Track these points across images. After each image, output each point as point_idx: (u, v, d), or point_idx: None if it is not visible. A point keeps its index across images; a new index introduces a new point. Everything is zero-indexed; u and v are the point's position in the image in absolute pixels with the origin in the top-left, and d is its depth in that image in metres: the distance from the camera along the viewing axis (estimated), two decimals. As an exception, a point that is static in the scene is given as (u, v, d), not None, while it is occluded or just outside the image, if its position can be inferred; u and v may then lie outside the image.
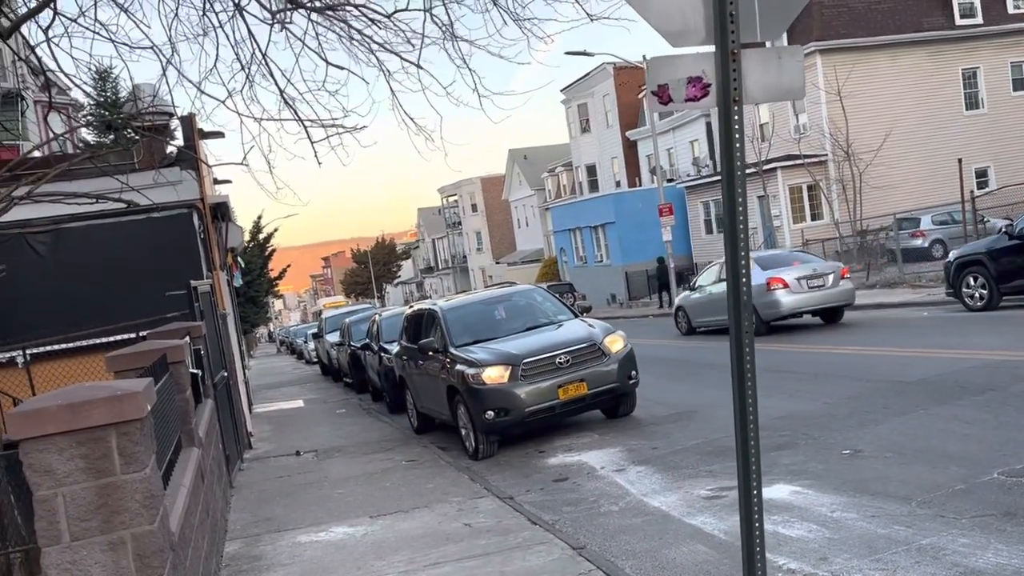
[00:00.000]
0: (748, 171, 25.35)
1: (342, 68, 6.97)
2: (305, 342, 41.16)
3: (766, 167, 31.18)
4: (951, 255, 15.56)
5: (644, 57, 28.13)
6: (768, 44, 3.67)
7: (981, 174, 32.93)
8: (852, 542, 5.33)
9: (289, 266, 56.93)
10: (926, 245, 26.38)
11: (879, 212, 27.23)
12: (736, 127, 2.97)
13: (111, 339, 9.83)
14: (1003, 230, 14.35)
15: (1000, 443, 6.81)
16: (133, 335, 9.66)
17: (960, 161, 24.41)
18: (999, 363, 9.86)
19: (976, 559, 4.75)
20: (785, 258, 18.03)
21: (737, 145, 2.96)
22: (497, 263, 66.14)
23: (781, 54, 3.08)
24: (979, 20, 33.42)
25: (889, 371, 10.59)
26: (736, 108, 2.97)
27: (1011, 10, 34.08)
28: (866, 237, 26.91)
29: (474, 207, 73.04)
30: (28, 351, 9.95)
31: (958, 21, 33.22)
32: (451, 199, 76.96)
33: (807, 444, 7.88)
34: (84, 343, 9.96)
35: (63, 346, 9.96)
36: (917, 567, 4.78)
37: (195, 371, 7.57)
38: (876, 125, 30.08)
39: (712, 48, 3.01)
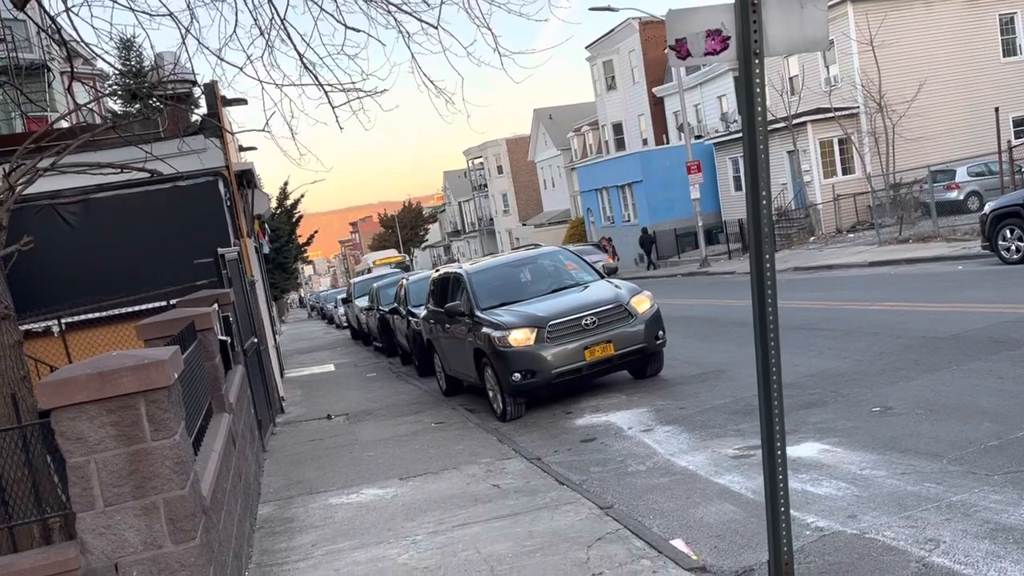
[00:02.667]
0: (777, 126, 24.83)
1: (360, 31, 6.89)
2: (335, 307, 41.55)
3: (795, 121, 30.57)
4: (987, 207, 15.21)
5: (670, 9, 27.56)
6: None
7: (1019, 123, 32.01)
8: (881, 499, 5.30)
9: (317, 232, 57.32)
10: (961, 197, 25.80)
11: (913, 165, 26.66)
12: (757, 81, 2.88)
13: (142, 307, 9.99)
14: None
15: (1034, 398, 6.70)
16: (163, 303, 9.79)
17: (997, 110, 23.74)
18: (1035, 317, 9.67)
19: (1008, 516, 4.69)
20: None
21: (758, 100, 2.88)
22: (524, 225, 65.93)
23: (804, 3, 2.97)
24: (1018, -38, 32.23)
25: (921, 327, 10.44)
26: (757, 61, 2.89)
27: (1052, -49, 32.79)
28: (899, 190, 26.40)
29: (500, 169, 72.68)
30: (63, 320, 10.14)
31: (996, -36, 32.07)
32: (476, 161, 76.62)
33: (836, 402, 7.82)
34: (116, 312, 10.11)
35: (96, 315, 10.12)
36: (947, 524, 4.75)
37: (224, 338, 7.67)
38: (910, 75, 29.30)
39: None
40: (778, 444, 3.20)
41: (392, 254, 63.38)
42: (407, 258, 64.34)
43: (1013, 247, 14.27)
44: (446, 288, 12.02)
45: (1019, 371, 7.58)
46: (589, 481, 6.91)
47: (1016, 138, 28.62)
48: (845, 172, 31.52)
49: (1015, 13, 32.55)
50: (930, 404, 7.14)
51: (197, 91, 11.85)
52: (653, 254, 36.82)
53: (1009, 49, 32.77)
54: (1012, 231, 14.28)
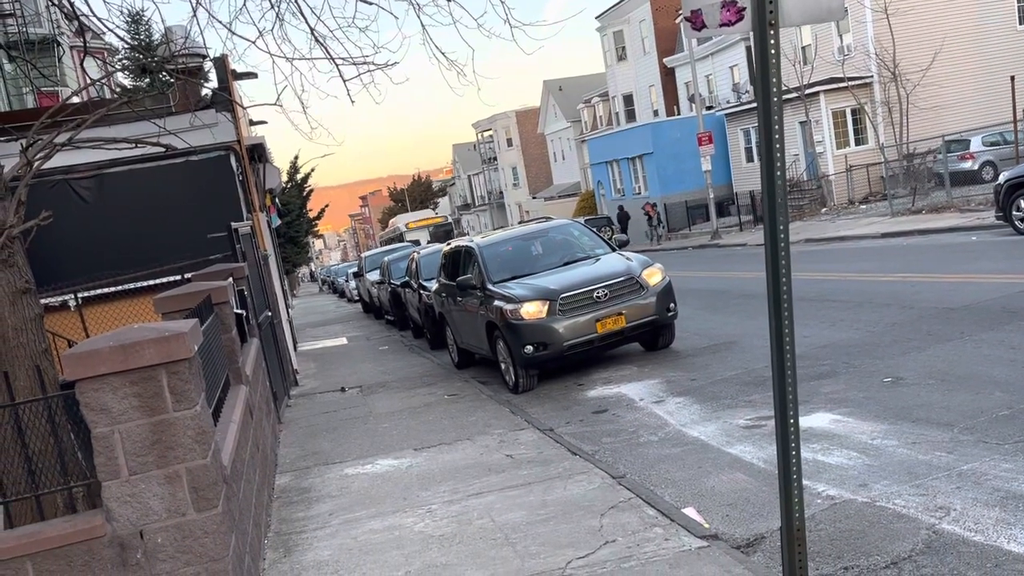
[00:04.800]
0: (790, 96, 24.63)
1: (371, 2, 6.86)
2: (346, 281, 41.68)
3: (808, 91, 30.27)
4: (1001, 177, 15.08)
5: (681, -20, 27.22)
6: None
7: (1036, 92, 31.56)
8: (892, 468, 5.35)
9: (327, 206, 57.20)
10: (975, 168, 25.54)
11: (927, 135, 26.38)
12: (772, 52, 2.88)
13: (157, 281, 10.08)
14: None
15: (1047, 368, 6.71)
16: (178, 277, 9.87)
17: (1013, 79, 23.43)
18: (1049, 288, 9.64)
19: (1018, 484, 4.73)
20: None
21: (773, 71, 2.88)
22: (534, 198, 65.76)
23: (820, -27, 2.96)
24: (1037, -73, 31.60)
25: (934, 298, 10.42)
26: (772, 32, 2.88)
27: (1072, -86, 32.11)
28: (913, 161, 26.18)
29: (509, 141, 72.34)
30: (79, 294, 10.25)
31: (1014, -71, 31.46)
32: (486, 134, 76.27)
33: (848, 373, 7.85)
34: (131, 286, 10.21)
35: (112, 289, 10.22)
36: (958, 492, 4.79)
37: (239, 311, 7.74)
38: (925, 43, 28.91)
39: (747, -31, 2.91)
40: (791, 413, 3.24)
41: (428, 215, 53.48)
42: (448, 218, 51.11)
43: (1027, 217, 14.16)
44: (457, 261, 12.06)
45: (1032, 341, 7.58)
46: (601, 451, 6.99)
47: (1032, 107, 28.24)
48: (858, 143, 31.26)
49: (1033, -21, 31.99)
50: (942, 374, 7.16)
51: (208, 65, 11.85)
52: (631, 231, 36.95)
53: (1026, 16, 32.23)
54: (1027, 201, 14.16)
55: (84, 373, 3.54)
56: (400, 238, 44.04)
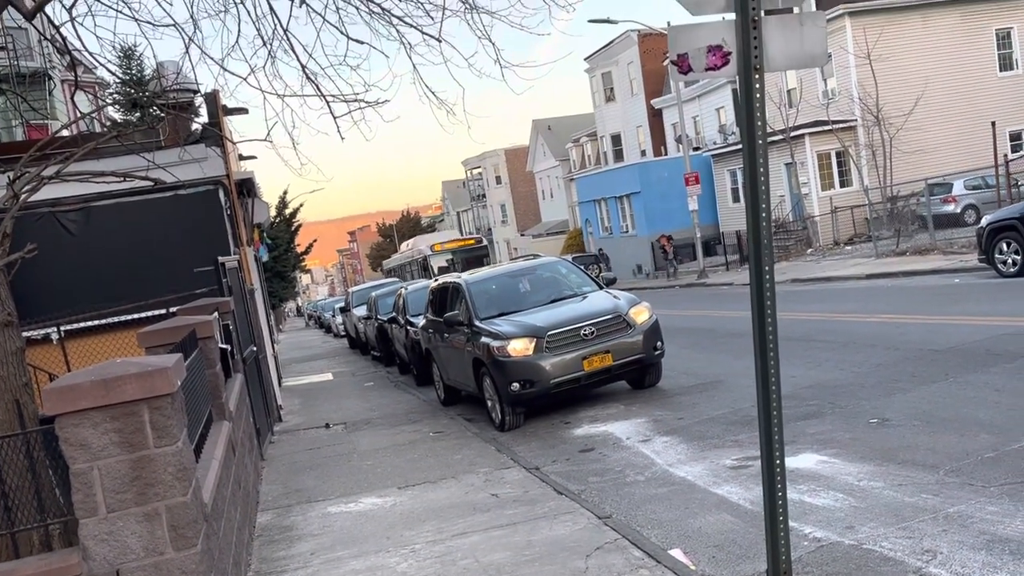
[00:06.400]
0: (776, 138, 25.02)
1: (362, 42, 6.95)
2: (333, 316, 41.52)
3: (793, 134, 30.70)
4: (984, 220, 15.28)
5: (668, 23, 27.72)
6: (796, 9, 3.60)
7: (1015, 137, 32.17)
8: (879, 510, 5.33)
9: (315, 241, 57.30)
10: (958, 211, 25.90)
11: (910, 178, 26.73)
12: (757, 96, 2.93)
13: (142, 315, 10.01)
14: None
15: (1031, 411, 6.73)
16: (163, 311, 9.81)
17: (993, 124, 23.86)
18: (1031, 330, 9.72)
19: (1004, 527, 4.72)
20: None
21: (758, 115, 2.93)
22: (522, 235, 66.00)
23: (803, 20, 3.02)
24: (1014, -22, 32.46)
25: (919, 339, 10.48)
26: (757, 77, 2.93)
27: (1048, -33, 33.03)
28: (896, 203, 26.49)
29: (498, 179, 72.81)
30: (62, 327, 10.16)
31: (992, -21, 32.29)
32: (475, 171, 76.76)
33: (834, 413, 7.85)
34: (116, 319, 10.14)
35: (96, 322, 10.14)
36: (944, 535, 4.77)
37: (224, 346, 7.69)
38: (907, 88, 29.45)
39: (732, 16, 2.97)
40: (777, 455, 3.24)
41: (455, 235, 46.94)
42: (483, 240, 41.25)
43: (1010, 260, 14.33)
44: (445, 297, 12.05)
45: (1015, 383, 7.62)
46: (587, 491, 6.93)
47: (1012, 152, 28.75)
48: (843, 184, 31.64)
49: (1011, 28, 32.77)
50: (927, 416, 7.17)
51: (199, 100, 11.92)
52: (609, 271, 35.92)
53: (1005, 63, 32.97)
54: (1008, 244, 14.34)
55: (64, 408, 3.49)
56: (423, 264, 36.76)
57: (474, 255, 35.78)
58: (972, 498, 5.21)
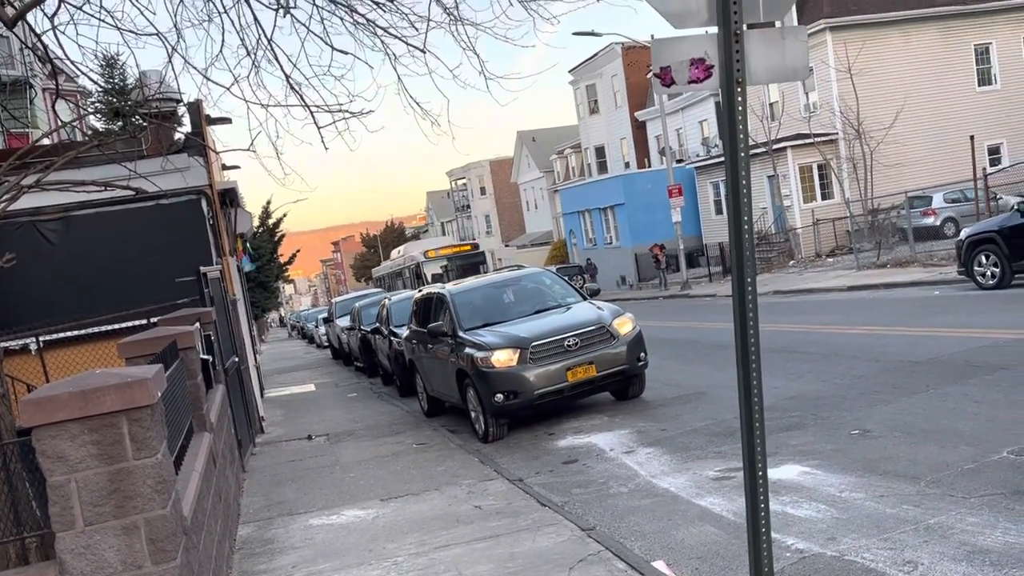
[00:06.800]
0: (758, 151, 25.20)
1: (347, 53, 6.95)
2: (316, 327, 41.31)
3: (776, 146, 30.95)
4: (963, 233, 15.45)
5: (652, 37, 27.92)
6: (778, 23, 3.64)
7: (994, 151, 32.60)
8: (860, 521, 5.35)
9: (299, 251, 57.13)
10: (938, 223, 26.19)
11: (890, 191, 27.01)
12: (739, 109, 2.95)
13: (122, 325, 9.91)
14: (1015, 207, 14.23)
15: (1010, 422, 6.80)
16: (144, 321, 9.72)
17: (972, 138, 24.20)
18: (1010, 342, 9.82)
19: (984, 538, 4.75)
20: None
21: (741, 127, 2.95)
22: (506, 246, 66.07)
23: (785, 35, 3.05)
24: (992, -6, 32.97)
25: (899, 350, 10.56)
26: (739, 90, 2.95)
27: (1025, -16, 33.58)
28: (877, 216, 26.74)
29: (483, 190, 72.92)
30: (41, 338, 10.04)
31: (971, -4, 32.79)
32: (460, 182, 76.84)
33: (816, 424, 7.89)
34: (95, 329, 10.03)
35: (75, 333, 10.04)
36: (925, 546, 4.79)
37: (206, 357, 7.63)
38: (887, 102, 29.79)
39: (715, 29, 2.99)
40: (759, 466, 3.24)
41: (450, 241, 44.77)
42: (480, 247, 38.92)
43: (988, 272, 14.49)
44: (429, 308, 12.03)
45: (994, 395, 7.69)
46: (571, 503, 6.91)
47: (991, 166, 29.12)
48: (824, 197, 31.92)
49: (990, 43, 33.26)
50: (908, 427, 7.21)
51: (182, 109, 11.86)
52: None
53: (984, 79, 33.44)
54: (987, 257, 14.50)
55: (42, 419, 3.44)
56: (416, 272, 35.01)
57: (470, 262, 33.78)
58: (952, 509, 5.25)
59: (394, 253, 45.13)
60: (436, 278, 30.19)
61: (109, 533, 3.58)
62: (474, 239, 73.46)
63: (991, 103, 32.94)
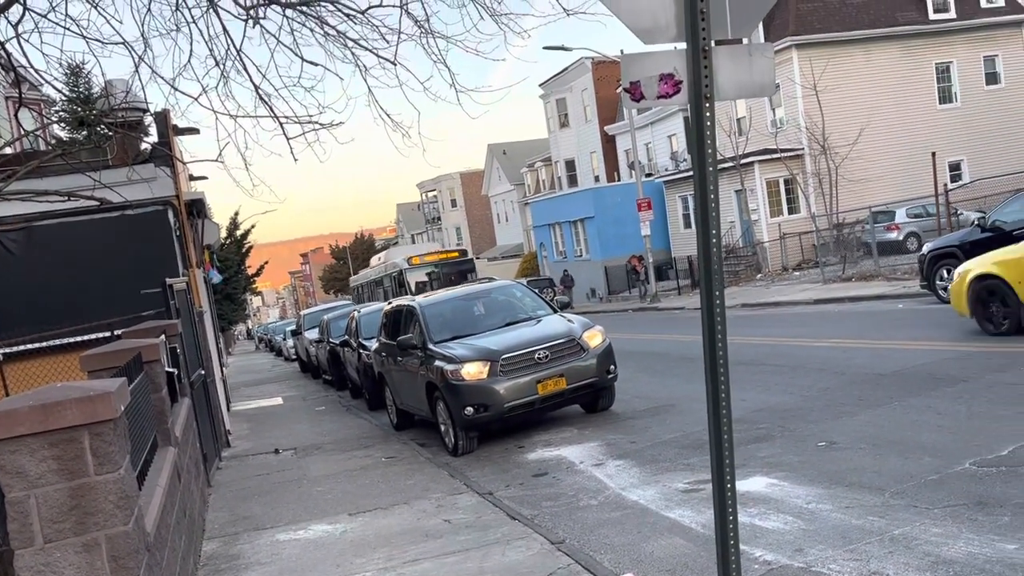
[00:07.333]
0: (726, 165, 25.58)
1: (317, 64, 6.94)
2: (284, 339, 40.90)
3: (743, 161, 31.35)
4: (925, 248, 15.72)
5: (622, 52, 28.18)
6: (745, 40, 3.69)
7: (955, 167, 33.31)
8: (827, 533, 5.40)
9: (267, 263, 56.56)
10: (901, 238, 26.70)
11: (855, 205, 27.48)
12: (708, 124, 2.98)
13: (85, 338, 9.74)
14: (976, 223, 14.53)
15: (972, 433, 6.91)
16: (108, 334, 9.56)
17: (934, 155, 24.69)
18: (972, 354, 10.00)
19: (947, 548, 4.82)
20: None
21: (709, 142, 2.98)
22: (477, 258, 65.84)
23: (752, 51, 3.10)
24: (952, 15, 33.77)
25: (864, 363, 10.71)
26: (707, 105, 2.99)
27: (983, 4, 34.46)
28: (842, 230, 27.18)
29: (453, 202, 72.91)
30: (1, 351, 9.83)
31: (931, 16, 33.55)
32: (430, 194, 76.78)
33: (783, 437, 7.96)
34: (58, 342, 9.84)
35: (36, 345, 9.84)
36: (890, 556, 4.85)
37: (171, 370, 7.52)
38: (852, 119, 30.34)
39: (684, 45, 3.03)
40: (728, 479, 3.26)
41: (436, 247, 41.17)
42: (469, 253, 37.20)
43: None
44: (398, 320, 11.97)
45: (957, 407, 7.82)
46: (541, 516, 6.90)
47: (952, 182, 29.74)
48: (791, 211, 32.36)
49: (951, 62, 34.03)
50: (873, 439, 7.31)
51: (148, 119, 11.73)
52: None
53: (945, 96, 34.19)
54: (949, 271, 14.74)
55: (0, 434, 3.37)
56: (399, 280, 32.74)
57: (458, 270, 31.62)
58: (917, 520, 5.32)
59: (374, 260, 43.11)
60: (421, 287, 28.52)
61: (69, 550, 3.50)
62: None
63: (952, 120, 33.69)
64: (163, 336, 7.59)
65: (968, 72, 34.26)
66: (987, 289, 10.73)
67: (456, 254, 34.94)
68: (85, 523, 3.52)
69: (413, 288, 29.45)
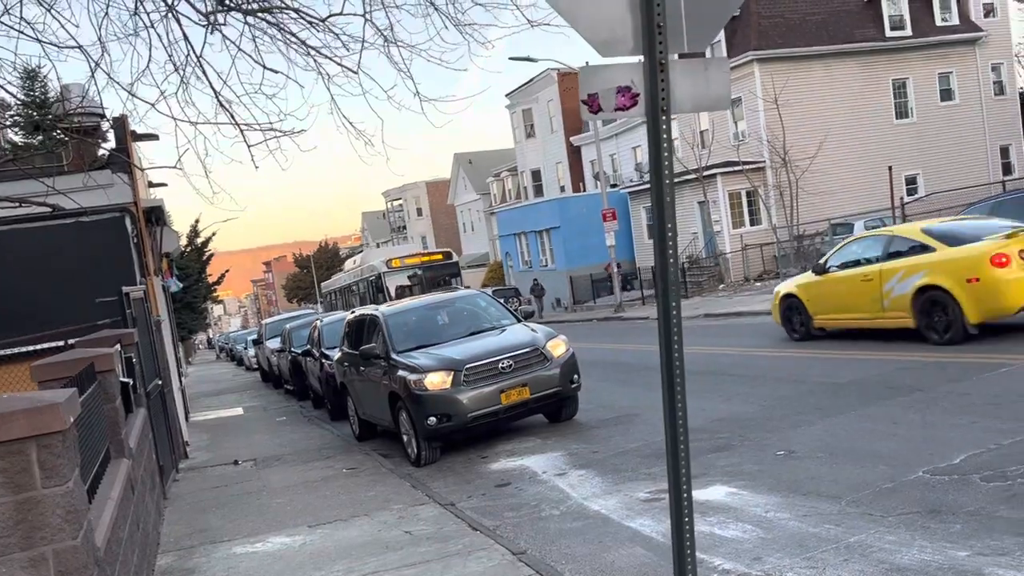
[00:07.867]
0: (689, 177, 25.86)
1: (278, 72, 6.88)
2: (245, 348, 40.39)
3: (706, 173, 31.73)
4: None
5: (587, 63, 28.35)
6: (708, 53, 3.73)
7: (911, 181, 34.07)
8: (784, 541, 5.45)
9: (228, 271, 55.86)
10: (859, 250, 27.12)
11: (815, 218, 27.99)
12: (664, 136, 3.01)
13: (38, 347, 9.50)
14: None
15: (926, 442, 7.04)
16: (61, 343, 9.34)
17: (890, 169, 25.25)
18: (925, 364, 10.20)
19: (901, 556, 4.89)
20: None
21: (665, 154, 3.01)
22: (442, 267, 65.83)
23: (708, 65, 3.14)
24: (908, 32, 34.59)
25: (822, 373, 10.87)
26: (664, 118, 3.02)
27: (939, 23, 35.36)
28: (802, 242, 27.65)
29: (419, 211, 72.74)
30: (-51, 360, 9.56)
31: (888, 33, 34.33)
32: (396, 203, 76.50)
33: (743, 446, 8.03)
34: (8, 352, 9.59)
35: (-14, 355, 9.57)
36: (846, 564, 4.91)
37: (126, 380, 7.37)
38: (811, 132, 30.91)
39: (641, 58, 3.06)
40: (684, 488, 3.28)
41: (417, 248, 38.70)
42: (454, 255, 33.78)
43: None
44: (361, 330, 11.88)
45: (911, 416, 7.96)
46: (502, 526, 6.88)
47: (908, 195, 30.42)
48: (753, 223, 32.82)
49: (907, 79, 34.83)
50: (830, 448, 7.41)
51: (106, 125, 11.54)
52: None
53: (901, 112, 34.98)
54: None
55: (-57, 447, 3.27)
56: (377, 284, 30.54)
57: (442, 274, 29.66)
58: (871, 528, 5.39)
59: (349, 263, 40.51)
60: (402, 292, 26.76)
61: (15, 566, 3.40)
62: (410, 260, 73.19)
63: (908, 135, 34.49)
64: (118, 345, 7.44)
65: (924, 88, 35.10)
66: (789, 305, 14.18)
67: (440, 256, 32.37)
68: (32, 538, 3.43)
69: (393, 294, 27.95)
